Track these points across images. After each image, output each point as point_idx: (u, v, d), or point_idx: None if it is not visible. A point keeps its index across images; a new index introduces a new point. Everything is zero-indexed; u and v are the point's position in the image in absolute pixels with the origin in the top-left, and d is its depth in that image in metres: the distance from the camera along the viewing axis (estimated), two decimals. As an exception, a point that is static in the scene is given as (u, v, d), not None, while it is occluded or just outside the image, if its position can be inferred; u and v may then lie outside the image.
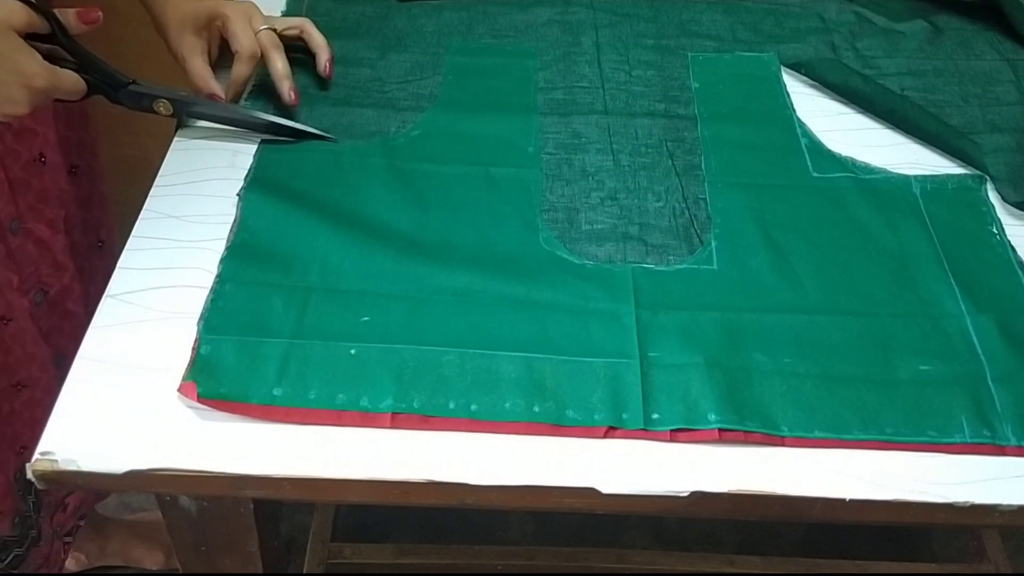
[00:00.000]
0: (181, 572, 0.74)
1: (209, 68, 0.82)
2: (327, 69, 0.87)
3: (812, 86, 0.90)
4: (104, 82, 0.75)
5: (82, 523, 1.18)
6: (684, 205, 0.77)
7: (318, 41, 0.87)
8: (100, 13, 0.72)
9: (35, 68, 0.67)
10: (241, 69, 0.82)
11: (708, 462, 0.59)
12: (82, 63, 0.72)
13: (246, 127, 0.81)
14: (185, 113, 0.79)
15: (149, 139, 1.37)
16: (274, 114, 0.82)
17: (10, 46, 0.66)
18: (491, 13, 0.97)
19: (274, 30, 0.83)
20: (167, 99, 0.78)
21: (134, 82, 0.76)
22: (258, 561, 0.73)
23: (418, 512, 1.40)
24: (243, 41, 0.81)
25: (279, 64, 0.83)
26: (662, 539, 1.41)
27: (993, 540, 1.28)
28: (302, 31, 0.87)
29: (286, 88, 0.82)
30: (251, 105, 0.84)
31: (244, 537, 0.71)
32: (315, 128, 0.81)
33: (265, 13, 0.85)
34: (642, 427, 0.60)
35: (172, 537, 0.71)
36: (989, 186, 0.79)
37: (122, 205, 0.92)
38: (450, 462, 0.58)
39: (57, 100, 0.71)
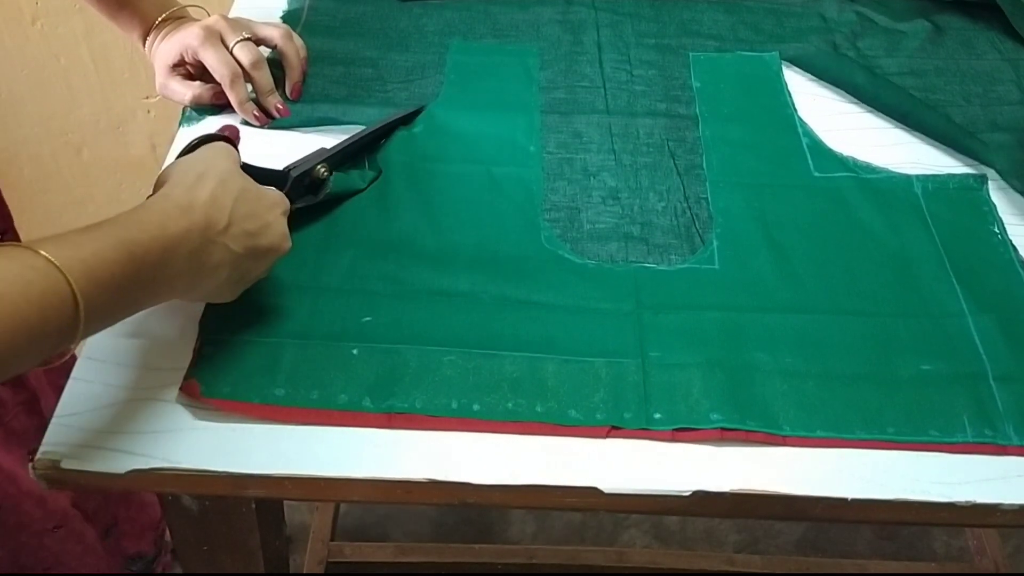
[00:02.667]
0: (183, 571, 0.74)
1: (207, 87, 0.81)
2: (293, 92, 0.84)
3: (814, 85, 0.90)
4: (273, 185, 0.67)
5: None
6: (686, 205, 0.77)
7: (290, 61, 0.84)
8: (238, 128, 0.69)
9: (279, 194, 0.64)
10: (234, 94, 0.80)
11: (710, 462, 0.59)
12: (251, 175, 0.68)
13: (374, 138, 0.79)
14: (334, 164, 0.74)
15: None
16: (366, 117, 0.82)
17: (253, 183, 0.61)
18: (493, 12, 0.97)
19: (250, 39, 0.81)
20: (320, 162, 0.73)
21: (292, 168, 0.71)
22: (260, 560, 0.73)
23: (418, 511, 1.40)
24: (218, 67, 0.79)
25: (261, 81, 0.81)
26: (662, 538, 1.41)
27: (993, 540, 1.28)
28: (277, 46, 0.84)
29: (271, 104, 0.81)
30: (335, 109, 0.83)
31: (246, 536, 0.71)
32: (403, 111, 0.82)
33: (262, 15, 0.84)
34: (644, 427, 0.60)
35: (174, 536, 0.71)
36: (990, 185, 0.79)
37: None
38: (452, 462, 0.58)
39: None
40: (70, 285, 0.48)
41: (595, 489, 0.58)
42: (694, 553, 1.27)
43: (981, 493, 0.58)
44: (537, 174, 0.79)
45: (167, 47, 0.81)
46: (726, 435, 0.60)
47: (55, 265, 0.48)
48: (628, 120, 0.84)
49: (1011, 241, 0.74)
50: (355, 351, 0.64)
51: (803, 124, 0.84)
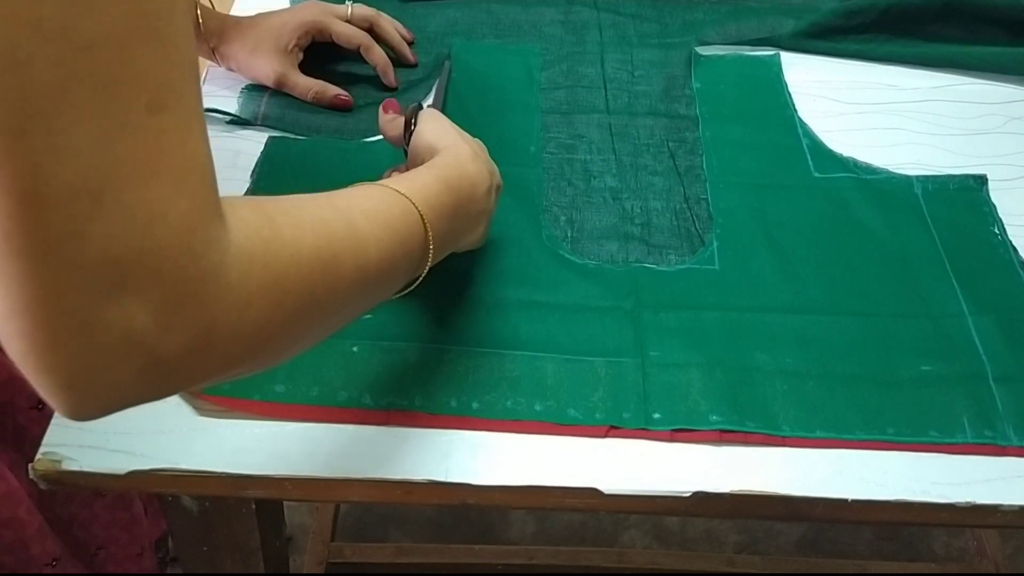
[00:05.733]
0: (183, 572, 0.74)
1: (328, 86, 0.83)
2: (413, 58, 0.89)
3: (814, 85, 0.89)
4: None
5: None
6: (686, 205, 0.77)
7: (389, 34, 0.88)
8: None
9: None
10: (375, 56, 0.85)
11: (709, 462, 0.59)
12: None
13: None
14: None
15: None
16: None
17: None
18: (495, 12, 0.97)
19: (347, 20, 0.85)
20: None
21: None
22: (260, 560, 0.73)
23: (418, 512, 1.40)
24: (355, 36, 0.84)
25: (388, 27, 0.87)
26: (662, 539, 1.40)
27: (993, 540, 1.28)
28: (373, 24, 0.87)
29: (404, 46, 0.88)
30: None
31: (246, 537, 0.71)
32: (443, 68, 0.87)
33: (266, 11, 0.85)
34: (643, 426, 0.60)
35: (174, 536, 0.71)
36: (991, 186, 0.79)
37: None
38: (451, 462, 0.59)
39: None
40: (416, 208, 0.52)
41: (595, 490, 0.58)
42: (694, 554, 1.27)
43: (981, 494, 0.58)
44: (538, 174, 0.79)
45: (269, 28, 0.82)
46: (725, 436, 0.60)
47: (400, 193, 0.52)
48: (628, 120, 0.84)
49: (1011, 242, 0.74)
50: (355, 348, 0.64)
51: (803, 124, 0.84)
